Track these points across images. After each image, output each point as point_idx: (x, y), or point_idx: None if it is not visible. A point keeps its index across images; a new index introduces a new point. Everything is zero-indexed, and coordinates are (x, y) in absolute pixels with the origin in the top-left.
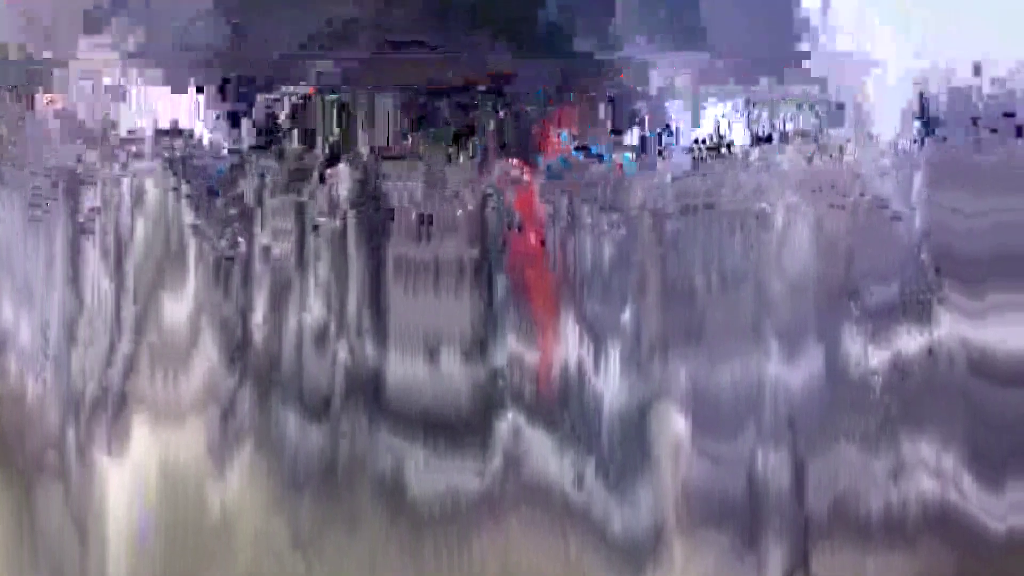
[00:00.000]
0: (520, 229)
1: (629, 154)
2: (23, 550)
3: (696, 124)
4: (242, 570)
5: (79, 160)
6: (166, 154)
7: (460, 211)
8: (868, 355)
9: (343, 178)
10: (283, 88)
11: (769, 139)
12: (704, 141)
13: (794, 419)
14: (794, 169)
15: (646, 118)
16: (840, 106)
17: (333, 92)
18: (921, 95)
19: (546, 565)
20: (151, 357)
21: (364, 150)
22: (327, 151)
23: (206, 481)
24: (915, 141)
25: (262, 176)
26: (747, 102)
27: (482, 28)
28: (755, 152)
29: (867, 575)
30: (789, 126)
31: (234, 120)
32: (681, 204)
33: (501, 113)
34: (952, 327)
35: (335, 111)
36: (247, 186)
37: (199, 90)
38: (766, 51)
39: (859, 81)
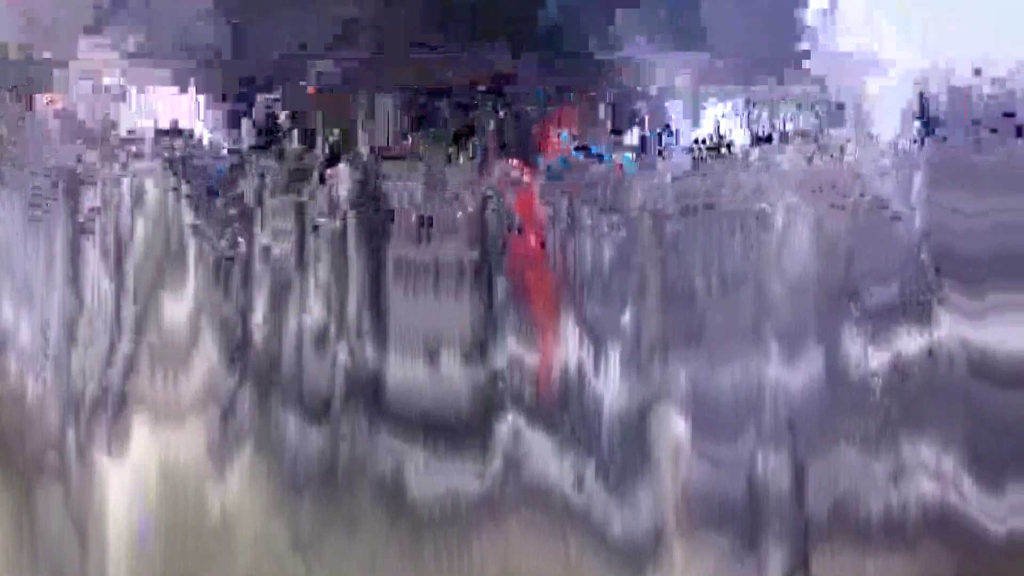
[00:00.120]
0: (520, 231)
1: (629, 154)
2: (23, 551)
3: (696, 124)
4: (242, 572)
5: (79, 160)
6: (166, 154)
7: (460, 213)
8: (868, 356)
9: (343, 178)
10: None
11: (769, 139)
12: (704, 141)
13: (794, 421)
14: (794, 169)
15: (646, 118)
16: (840, 106)
17: (332, 92)
18: (921, 95)
19: (546, 567)
20: (151, 357)
21: (364, 150)
22: (327, 151)
23: (206, 482)
24: (915, 141)
25: (262, 176)
26: (747, 102)
27: (482, 28)
28: (755, 152)
29: None
30: (789, 126)
31: (234, 120)
32: (681, 204)
33: (501, 113)
34: (952, 328)
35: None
36: (247, 186)
37: (199, 90)
38: (766, 51)
39: (859, 81)
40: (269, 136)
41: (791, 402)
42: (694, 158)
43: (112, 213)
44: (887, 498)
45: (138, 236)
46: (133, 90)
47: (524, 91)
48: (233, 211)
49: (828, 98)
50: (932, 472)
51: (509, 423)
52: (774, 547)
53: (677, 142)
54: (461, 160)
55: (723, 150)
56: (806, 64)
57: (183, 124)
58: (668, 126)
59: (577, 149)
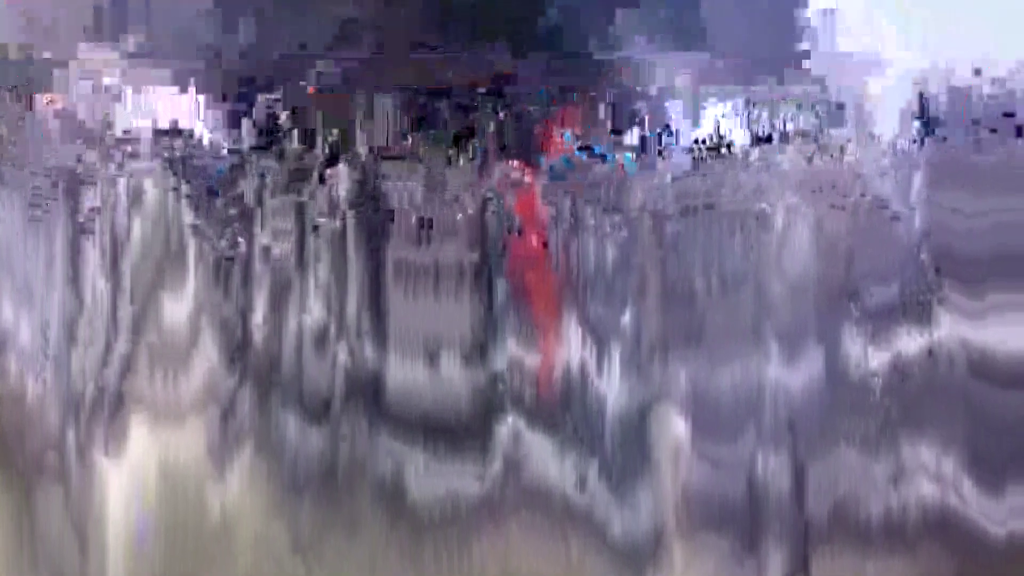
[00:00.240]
0: (520, 233)
1: (630, 154)
2: (22, 551)
3: (696, 124)
4: (241, 573)
5: (79, 160)
6: (166, 154)
7: (460, 214)
8: (868, 356)
9: (343, 178)
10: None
11: (769, 139)
12: (704, 141)
13: (794, 422)
14: (794, 169)
15: (646, 118)
16: (840, 106)
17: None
18: (921, 95)
19: (546, 569)
20: (151, 358)
21: (363, 150)
22: (327, 151)
23: (206, 483)
24: (915, 141)
25: (262, 176)
26: (747, 102)
27: (482, 28)
28: (755, 152)
29: None
30: (789, 126)
31: (234, 120)
32: (681, 205)
33: (501, 115)
34: (952, 328)
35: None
36: (247, 186)
37: (199, 90)
38: (766, 51)
39: (859, 81)
40: (269, 136)
41: (791, 402)
42: (694, 158)
43: (112, 213)
44: (887, 500)
45: (138, 236)
46: (132, 90)
47: (524, 92)
48: (233, 211)
49: (828, 98)
50: (932, 474)
51: (509, 425)
52: (774, 549)
53: (677, 142)
54: (461, 162)
55: (723, 150)
56: (806, 64)
57: (183, 124)
58: (668, 126)
59: (580, 149)
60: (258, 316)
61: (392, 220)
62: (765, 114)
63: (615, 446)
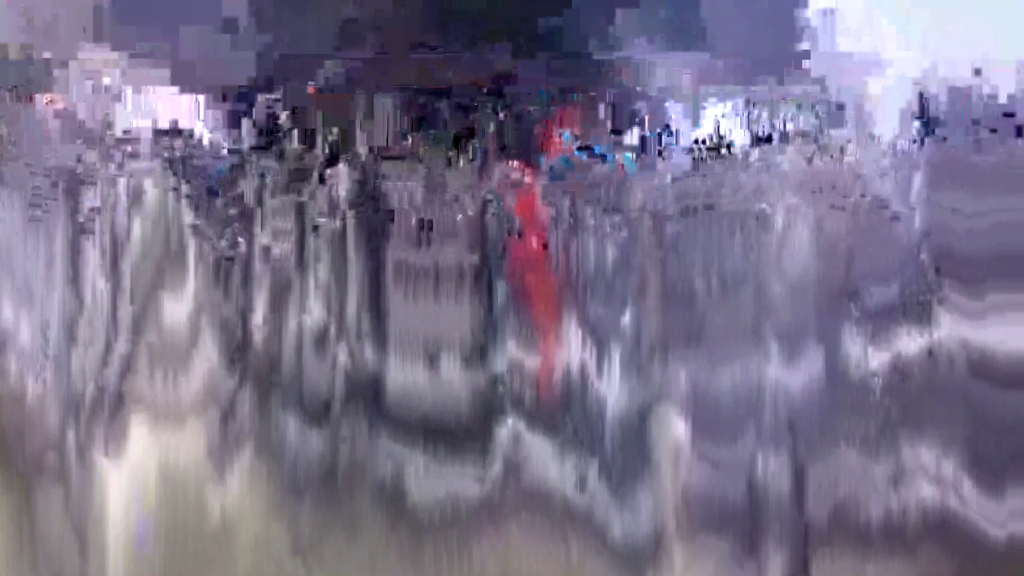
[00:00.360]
0: (520, 234)
1: (630, 154)
2: (22, 552)
3: (696, 124)
4: (241, 575)
5: (79, 160)
6: (166, 154)
7: (460, 215)
8: (868, 357)
9: (343, 178)
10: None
11: (769, 139)
12: (704, 141)
13: (794, 422)
14: (794, 170)
15: (646, 118)
16: (840, 106)
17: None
18: (921, 95)
19: (546, 571)
20: (151, 358)
21: (363, 150)
22: (327, 151)
23: (205, 485)
24: (915, 141)
25: (262, 176)
26: (747, 102)
27: (483, 29)
28: (755, 153)
29: None
30: (789, 126)
31: (234, 120)
32: (681, 205)
33: (501, 115)
34: (952, 328)
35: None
36: (247, 186)
37: (199, 90)
38: (766, 51)
39: (859, 81)
40: (269, 136)
41: (791, 403)
42: (694, 158)
43: (112, 213)
44: (887, 501)
45: (138, 236)
46: (132, 90)
47: (525, 92)
48: (233, 211)
49: (828, 98)
50: (932, 475)
51: (509, 427)
52: (774, 551)
53: (677, 142)
54: (461, 162)
55: (723, 150)
56: (806, 64)
57: (183, 124)
58: (668, 126)
59: (580, 149)
60: (258, 316)
61: (392, 220)
62: (765, 114)
63: (615, 448)
